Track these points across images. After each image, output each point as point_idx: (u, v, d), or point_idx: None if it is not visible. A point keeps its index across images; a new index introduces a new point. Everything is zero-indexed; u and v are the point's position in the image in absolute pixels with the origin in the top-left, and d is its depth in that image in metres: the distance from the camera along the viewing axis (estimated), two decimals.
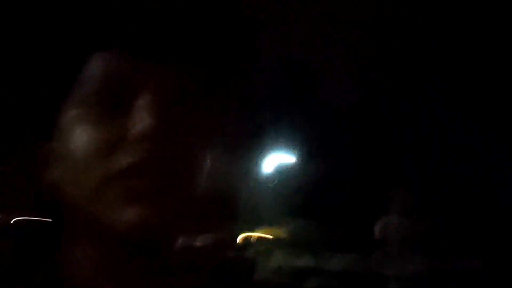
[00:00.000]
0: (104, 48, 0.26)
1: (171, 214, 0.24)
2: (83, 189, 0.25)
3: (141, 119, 0.24)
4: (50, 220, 0.29)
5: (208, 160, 0.26)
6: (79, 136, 0.25)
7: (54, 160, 0.27)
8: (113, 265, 0.25)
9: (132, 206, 0.23)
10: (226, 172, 0.27)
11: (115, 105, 0.25)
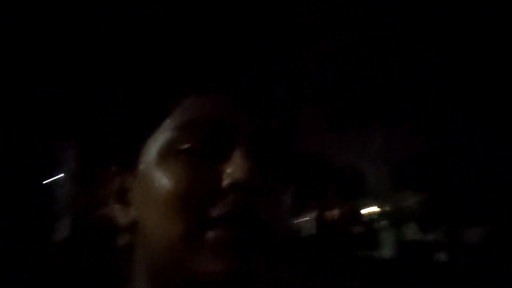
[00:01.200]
0: (202, 92, 0.26)
1: (260, 268, 0.24)
2: (171, 233, 0.24)
3: (236, 169, 0.24)
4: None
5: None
6: (170, 178, 0.25)
7: (136, 198, 0.27)
8: None
9: (222, 258, 0.23)
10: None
11: (212, 151, 0.25)
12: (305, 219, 6.65)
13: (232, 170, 0.24)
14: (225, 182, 0.24)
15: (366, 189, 6.42)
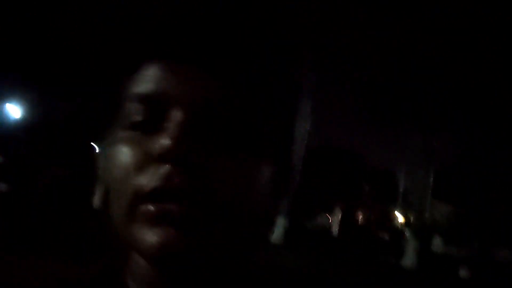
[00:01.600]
0: (142, 66, 0.25)
1: (206, 243, 0.24)
2: (118, 208, 0.25)
3: (165, 139, 0.23)
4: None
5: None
6: (119, 153, 0.25)
7: (102, 173, 0.27)
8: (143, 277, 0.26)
9: (153, 232, 0.23)
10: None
11: (150, 123, 0.24)
12: (331, 218, 6.66)
13: (156, 141, 0.23)
14: (150, 153, 0.23)
15: (399, 196, 6.35)
